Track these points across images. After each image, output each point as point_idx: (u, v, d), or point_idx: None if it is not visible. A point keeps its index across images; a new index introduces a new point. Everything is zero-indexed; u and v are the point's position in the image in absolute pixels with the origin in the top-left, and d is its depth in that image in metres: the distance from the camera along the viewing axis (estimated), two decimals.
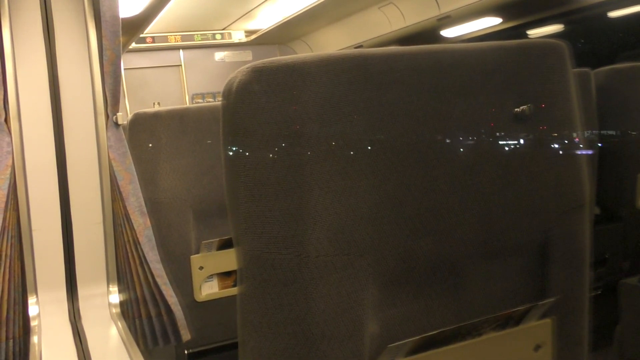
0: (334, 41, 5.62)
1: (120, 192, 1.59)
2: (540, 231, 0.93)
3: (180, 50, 6.23)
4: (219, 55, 6.37)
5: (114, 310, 1.65)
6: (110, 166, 1.60)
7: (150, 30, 4.84)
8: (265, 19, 5.47)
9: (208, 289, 1.94)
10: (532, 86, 0.92)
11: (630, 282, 1.55)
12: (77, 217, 1.66)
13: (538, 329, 0.92)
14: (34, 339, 1.50)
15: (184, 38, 5.96)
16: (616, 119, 2.06)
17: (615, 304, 1.56)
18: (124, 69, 5.51)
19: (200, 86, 6.36)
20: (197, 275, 1.90)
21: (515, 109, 0.90)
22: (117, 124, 1.61)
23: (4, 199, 1.48)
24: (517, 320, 0.91)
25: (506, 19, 4.22)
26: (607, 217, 2.12)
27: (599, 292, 1.86)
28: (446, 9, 4.11)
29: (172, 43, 5.99)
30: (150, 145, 1.88)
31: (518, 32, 4.28)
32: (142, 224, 1.61)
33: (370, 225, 0.80)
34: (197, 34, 5.96)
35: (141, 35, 5.34)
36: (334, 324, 0.79)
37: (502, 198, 0.89)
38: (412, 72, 0.84)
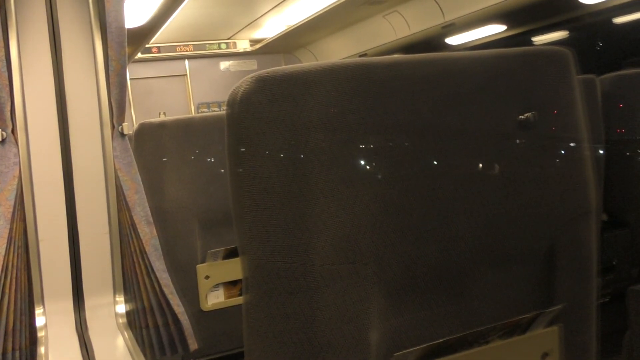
0: (339, 49, 5.64)
1: (126, 202, 1.60)
2: (547, 238, 0.93)
3: (186, 60, 6.26)
4: (224, 64, 6.39)
5: (120, 320, 1.65)
6: (117, 176, 1.61)
7: (155, 40, 4.86)
8: (270, 28, 5.49)
9: (214, 298, 1.94)
10: (537, 93, 0.92)
11: (638, 289, 1.54)
12: (83, 227, 1.67)
13: (545, 337, 0.92)
14: (41, 349, 1.51)
15: (193, 47, 5.99)
16: (622, 125, 2.05)
17: (624, 311, 1.54)
18: (130, 79, 5.54)
19: (205, 95, 6.38)
20: (203, 285, 1.90)
21: (520, 116, 0.90)
22: (123, 134, 1.61)
23: (11, 210, 1.48)
24: (524, 328, 0.90)
25: (511, 26, 4.22)
26: (615, 224, 2.11)
27: (607, 299, 1.85)
28: (451, 16, 4.11)
29: (178, 53, 6.02)
30: (156, 154, 1.88)
31: (523, 39, 4.28)
32: (148, 234, 1.61)
33: (375, 234, 0.80)
34: (207, 43, 5.99)
35: (147, 46, 5.37)
36: (340, 332, 0.78)
37: (508, 205, 0.89)
38: (416, 80, 0.84)
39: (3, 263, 1.45)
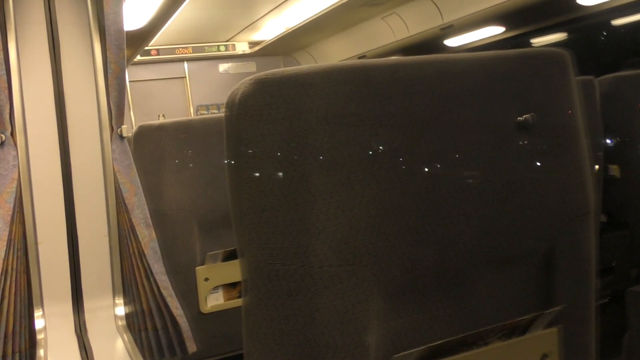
0: (338, 52, 5.64)
1: (125, 205, 1.60)
2: (546, 239, 0.93)
3: (185, 62, 6.26)
4: (223, 66, 6.39)
5: (119, 323, 1.65)
6: (115, 179, 1.61)
7: (154, 42, 4.87)
8: (269, 30, 5.49)
9: (213, 301, 1.94)
10: (535, 95, 0.93)
11: (637, 290, 1.54)
12: (82, 230, 1.67)
13: (544, 338, 0.92)
14: (40, 352, 1.50)
15: (192, 50, 5.99)
16: (621, 126, 2.05)
17: (623, 312, 1.55)
18: (129, 81, 5.54)
19: (204, 98, 6.38)
20: (202, 287, 1.90)
21: (519, 118, 0.90)
22: (122, 137, 1.61)
23: (10, 212, 1.48)
24: (523, 329, 0.90)
25: (509, 28, 4.23)
26: (614, 225, 2.11)
27: (606, 300, 1.85)
28: (449, 18, 4.12)
29: (177, 55, 6.02)
30: (155, 157, 1.88)
31: (521, 40, 4.29)
32: (147, 236, 1.61)
33: (374, 235, 0.80)
34: (206, 46, 6.00)
35: (146, 48, 5.37)
36: (339, 334, 0.78)
37: (507, 206, 0.89)
38: (415, 82, 0.84)
39: (2, 266, 1.45)
